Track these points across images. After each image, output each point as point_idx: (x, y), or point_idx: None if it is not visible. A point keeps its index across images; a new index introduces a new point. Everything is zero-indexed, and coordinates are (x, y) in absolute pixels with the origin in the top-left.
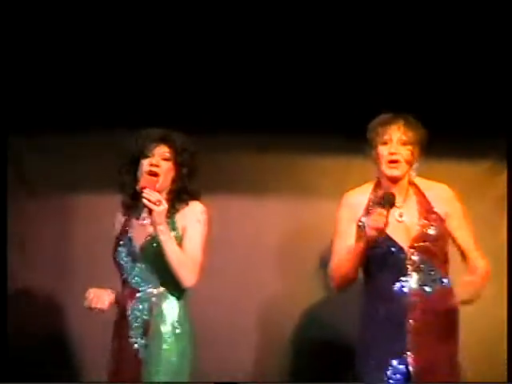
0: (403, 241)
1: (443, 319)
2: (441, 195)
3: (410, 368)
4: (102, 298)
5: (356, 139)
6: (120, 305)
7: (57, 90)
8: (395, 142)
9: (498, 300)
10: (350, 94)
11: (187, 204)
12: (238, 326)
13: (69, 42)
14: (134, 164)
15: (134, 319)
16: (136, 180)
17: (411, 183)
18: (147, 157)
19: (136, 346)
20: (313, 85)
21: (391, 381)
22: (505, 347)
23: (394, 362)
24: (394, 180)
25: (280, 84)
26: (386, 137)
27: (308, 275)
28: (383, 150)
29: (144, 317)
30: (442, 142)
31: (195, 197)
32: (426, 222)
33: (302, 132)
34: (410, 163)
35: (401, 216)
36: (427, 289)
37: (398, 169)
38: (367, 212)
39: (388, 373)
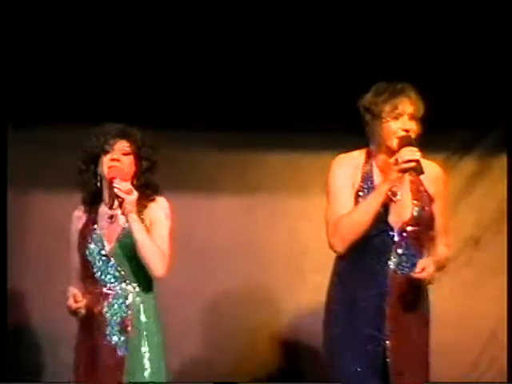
0: (395, 222)
1: (416, 302)
2: (432, 174)
3: (388, 354)
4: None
5: (310, 138)
6: (90, 303)
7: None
8: (406, 116)
9: (498, 299)
10: (304, 95)
11: (154, 200)
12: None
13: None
14: (94, 161)
15: (111, 317)
16: (96, 177)
17: None
18: (107, 152)
19: (114, 343)
20: (268, 84)
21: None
22: (505, 347)
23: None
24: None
25: (235, 81)
26: (397, 111)
27: (259, 270)
28: (394, 125)
29: (122, 314)
30: None
31: (157, 191)
32: (417, 202)
33: (256, 130)
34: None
35: (394, 195)
36: (405, 272)
37: None
38: (363, 179)
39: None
